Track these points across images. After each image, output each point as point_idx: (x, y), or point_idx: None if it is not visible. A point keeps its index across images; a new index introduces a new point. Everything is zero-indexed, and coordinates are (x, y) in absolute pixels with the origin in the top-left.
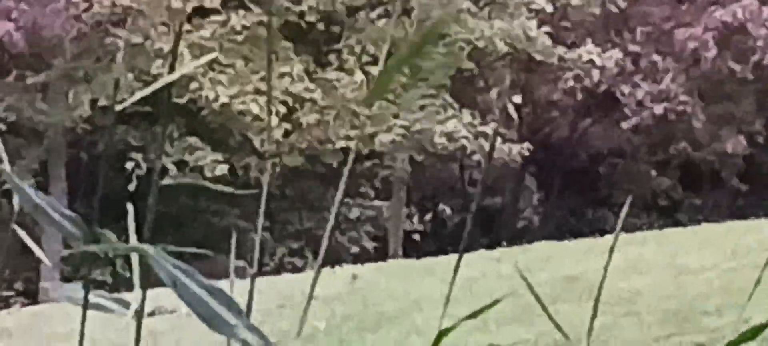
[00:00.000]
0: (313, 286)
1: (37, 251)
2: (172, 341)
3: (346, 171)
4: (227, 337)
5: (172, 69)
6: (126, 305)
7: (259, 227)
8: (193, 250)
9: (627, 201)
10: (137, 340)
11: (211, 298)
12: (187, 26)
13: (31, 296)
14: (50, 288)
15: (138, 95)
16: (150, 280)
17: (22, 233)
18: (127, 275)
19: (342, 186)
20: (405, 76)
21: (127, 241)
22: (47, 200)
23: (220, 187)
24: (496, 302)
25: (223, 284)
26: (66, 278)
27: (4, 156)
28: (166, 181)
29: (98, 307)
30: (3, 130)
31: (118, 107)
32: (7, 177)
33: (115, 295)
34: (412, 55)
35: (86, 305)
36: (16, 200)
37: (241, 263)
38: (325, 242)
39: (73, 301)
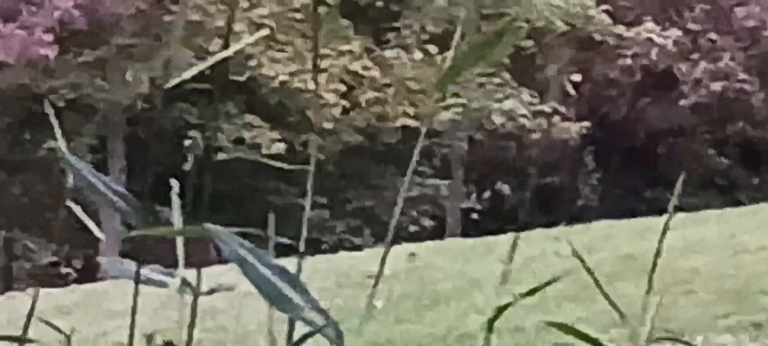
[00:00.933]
0: (382, 264)
1: (92, 226)
2: (232, 319)
3: (416, 151)
4: (293, 317)
5: (226, 45)
6: (182, 281)
7: (307, 205)
8: (249, 230)
9: (679, 179)
10: (193, 317)
11: (277, 277)
12: (245, 4)
13: (90, 273)
14: (106, 265)
15: (191, 72)
16: (209, 258)
17: (76, 209)
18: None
19: (412, 165)
20: (477, 64)
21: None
22: (101, 178)
23: (274, 162)
24: (552, 281)
25: (284, 262)
26: (125, 255)
27: (59, 133)
28: (220, 156)
29: (151, 282)
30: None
31: (170, 84)
32: (61, 154)
33: (172, 271)
34: (486, 46)
35: (138, 280)
36: (70, 176)
37: (295, 242)
38: (394, 220)
39: (125, 276)
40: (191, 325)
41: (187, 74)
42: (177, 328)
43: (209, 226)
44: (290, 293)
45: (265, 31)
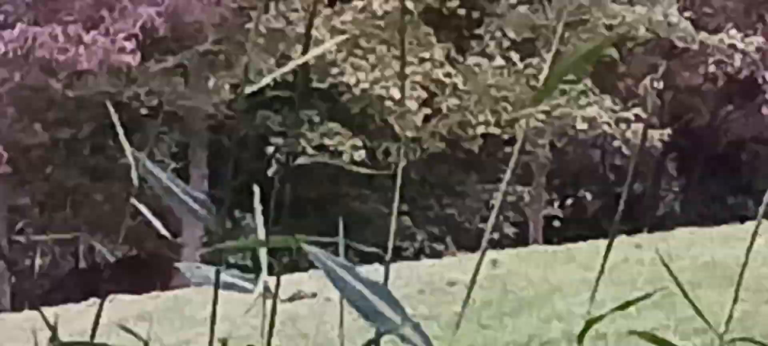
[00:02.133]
0: (476, 271)
1: (158, 225)
2: (313, 326)
3: (514, 156)
4: (387, 332)
5: (304, 51)
6: (264, 288)
7: (394, 212)
8: (333, 240)
9: None
10: (271, 323)
11: (369, 291)
12: (327, 11)
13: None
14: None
15: (269, 77)
16: (290, 265)
17: (142, 208)
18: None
19: (508, 174)
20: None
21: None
22: (179, 184)
23: (356, 167)
24: (646, 296)
25: (366, 269)
26: (206, 262)
27: (123, 139)
28: (300, 160)
29: (231, 287)
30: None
31: (249, 90)
32: (138, 160)
33: (252, 278)
34: (585, 59)
35: (217, 286)
36: (134, 175)
37: (380, 250)
38: (490, 225)
39: (206, 282)
40: (269, 332)
41: (266, 80)
42: (258, 335)
43: (302, 237)
44: (383, 307)
45: (343, 37)
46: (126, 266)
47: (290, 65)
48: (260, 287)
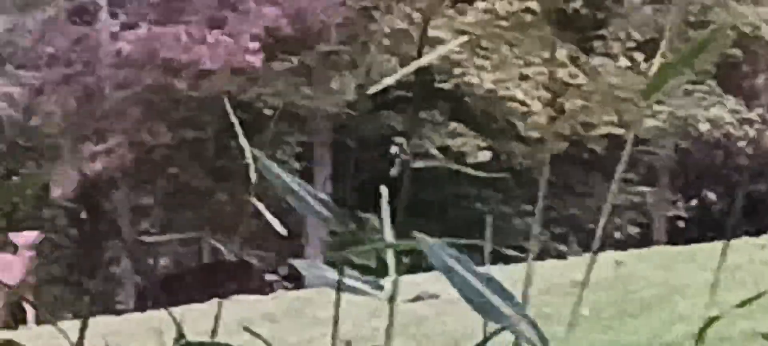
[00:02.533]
0: (588, 272)
1: (275, 223)
2: (437, 327)
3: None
4: (503, 327)
5: (419, 53)
6: (378, 288)
7: (538, 213)
8: (463, 241)
9: None
10: (389, 325)
11: (485, 287)
12: (451, 12)
13: (296, 281)
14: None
15: (391, 78)
16: (412, 265)
17: (260, 206)
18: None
19: (618, 174)
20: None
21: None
22: (303, 185)
23: (473, 171)
24: (764, 292)
25: (491, 269)
26: (330, 263)
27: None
28: (419, 164)
29: (353, 290)
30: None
31: (372, 90)
32: (258, 159)
33: (373, 279)
34: (691, 55)
35: (340, 288)
36: (252, 173)
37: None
38: (600, 226)
39: (328, 283)
40: (388, 333)
41: (388, 81)
42: (381, 336)
43: (420, 236)
44: (499, 303)
45: (464, 38)
46: (246, 266)
47: (412, 66)
48: (388, 289)
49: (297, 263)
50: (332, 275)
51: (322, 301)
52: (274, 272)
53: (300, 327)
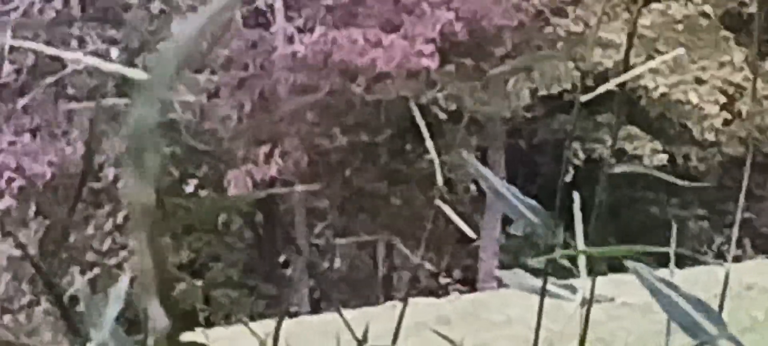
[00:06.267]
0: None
1: (464, 226)
2: (609, 331)
3: None
4: (704, 343)
5: (626, 64)
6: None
7: (737, 219)
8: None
9: None
10: (585, 329)
11: (691, 307)
12: (625, 15)
13: (470, 284)
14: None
15: (595, 93)
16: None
17: (446, 208)
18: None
19: None
20: None
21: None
22: (510, 189)
23: (660, 174)
24: None
25: (664, 273)
26: (504, 267)
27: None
28: (617, 169)
29: (549, 294)
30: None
31: (584, 98)
32: (471, 165)
33: (562, 282)
34: None
35: (543, 293)
36: (438, 176)
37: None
38: None
39: (523, 287)
40: (582, 338)
41: (591, 95)
42: (556, 339)
43: (631, 264)
44: (704, 323)
45: (680, 50)
46: (419, 271)
47: (624, 77)
48: (581, 295)
49: (501, 273)
50: (533, 281)
51: (496, 303)
52: (449, 274)
53: (474, 330)
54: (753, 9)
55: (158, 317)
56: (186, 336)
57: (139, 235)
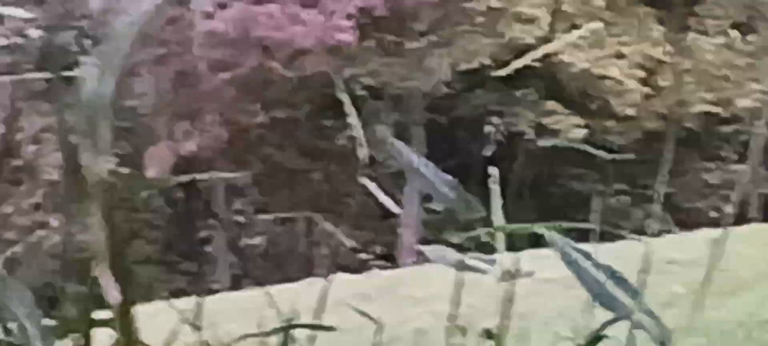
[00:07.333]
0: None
1: (388, 203)
2: (529, 306)
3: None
4: (621, 318)
5: (546, 40)
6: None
7: (658, 193)
8: (572, 224)
9: None
10: (509, 301)
11: (609, 281)
12: None
13: (390, 260)
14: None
15: (517, 63)
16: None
17: (371, 185)
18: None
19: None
20: None
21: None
22: (428, 165)
23: (585, 147)
24: None
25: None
26: (425, 242)
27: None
28: (545, 142)
29: (468, 268)
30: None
31: (501, 72)
32: (390, 141)
33: (493, 258)
34: None
35: (461, 267)
36: (361, 153)
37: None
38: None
39: (443, 262)
40: (506, 311)
41: (507, 70)
42: (475, 314)
43: (548, 233)
44: (620, 296)
45: (597, 24)
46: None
47: (540, 51)
48: (499, 268)
49: (422, 248)
50: (454, 255)
51: (417, 279)
52: (369, 250)
53: (395, 306)
54: None
55: (110, 290)
56: (98, 314)
57: (94, 207)
